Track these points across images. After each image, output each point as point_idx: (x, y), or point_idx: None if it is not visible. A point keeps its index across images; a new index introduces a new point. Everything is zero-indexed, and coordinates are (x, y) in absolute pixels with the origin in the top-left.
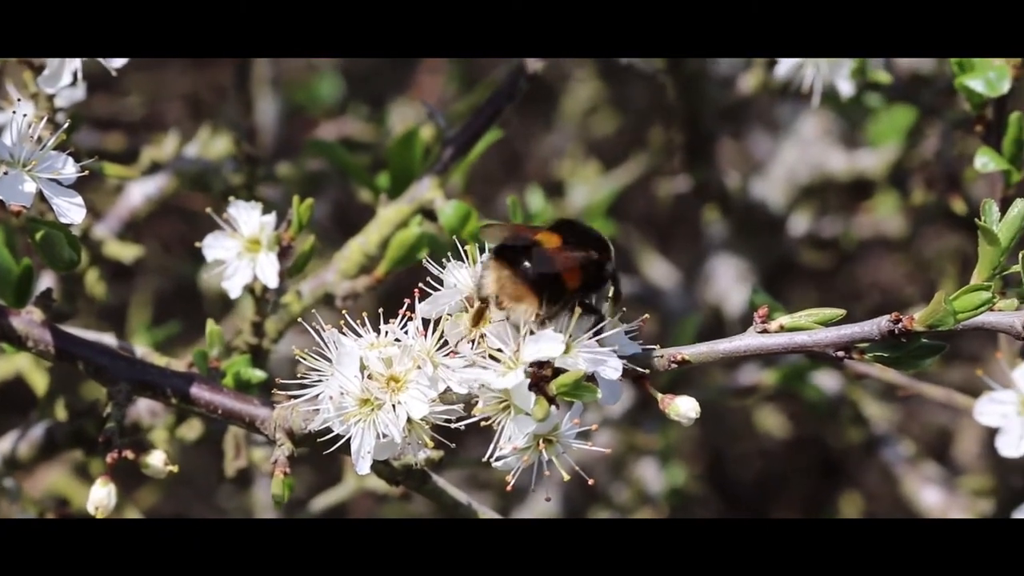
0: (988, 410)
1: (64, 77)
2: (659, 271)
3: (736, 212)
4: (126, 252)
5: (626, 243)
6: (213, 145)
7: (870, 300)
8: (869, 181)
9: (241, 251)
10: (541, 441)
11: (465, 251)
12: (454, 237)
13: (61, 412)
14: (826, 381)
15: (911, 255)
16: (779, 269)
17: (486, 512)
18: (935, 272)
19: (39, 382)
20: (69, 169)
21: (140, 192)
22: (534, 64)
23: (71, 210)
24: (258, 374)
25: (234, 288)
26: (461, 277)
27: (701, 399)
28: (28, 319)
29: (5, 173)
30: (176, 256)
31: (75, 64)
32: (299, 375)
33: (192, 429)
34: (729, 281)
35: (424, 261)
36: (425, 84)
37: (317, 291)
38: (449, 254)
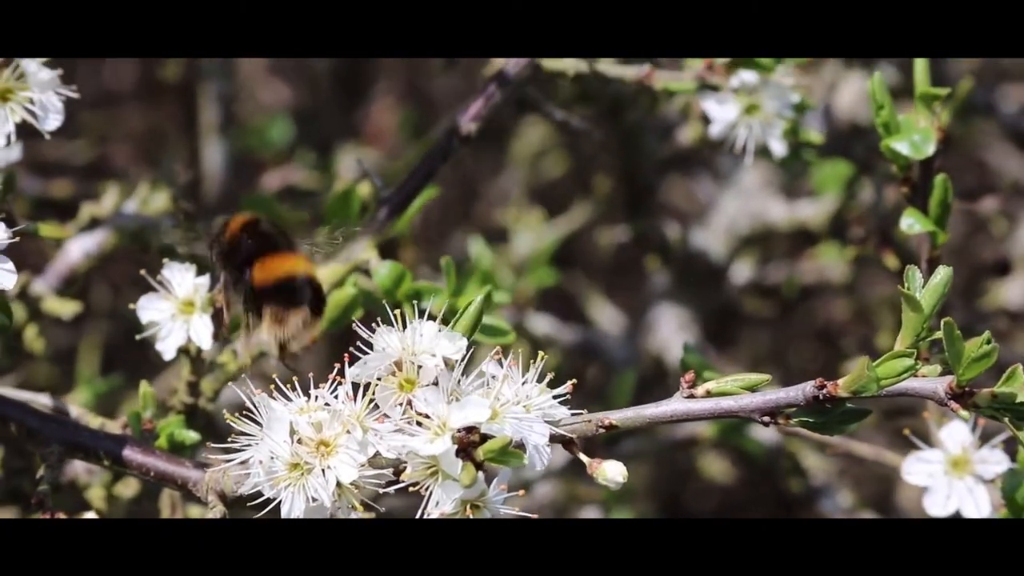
0: (915, 469)
1: None
2: (607, 319)
3: (677, 261)
4: (65, 308)
5: (571, 290)
6: (152, 200)
7: (811, 346)
8: (810, 231)
9: (175, 312)
10: (469, 506)
11: (398, 314)
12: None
13: None
14: (764, 433)
15: (853, 300)
16: (721, 317)
17: None
18: (877, 317)
19: None
20: (1, 236)
21: (79, 248)
22: (468, 126)
23: (2, 276)
24: (192, 435)
25: (168, 350)
26: (391, 341)
27: (648, 449)
28: None
29: None
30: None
31: (8, 127)
32: (230, 439)
33: (129, 487)
34: (671, 330)
35: (354, 325)
36: (376, 127)
37: (252, 350)
38: (379, 318)
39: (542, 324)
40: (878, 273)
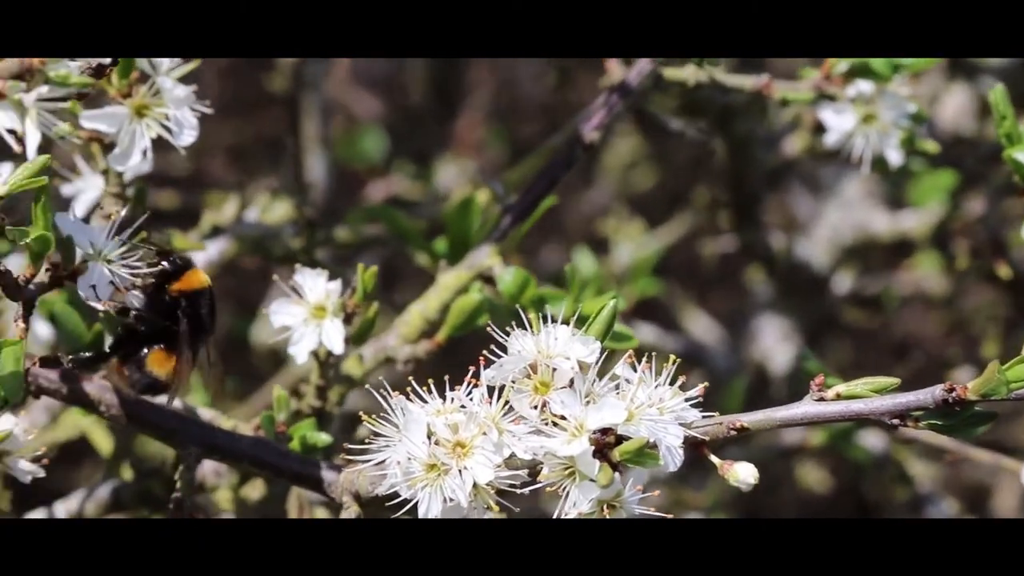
0: None
1: (134, 156)
2: (703, 329)
3: (781, 271)
4: None
5: (670, 300)
6: (273, 209)
7: (911, 357)
8: (911, 241)
9: (307, 318)
10: (605, 506)
11: (528, 318)
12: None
13: (127, 472)
14: (871, 440)
15: (952, 312)
16: (822, 327)
17: None
18: (976, 330)
19: (103, 442)
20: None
21: (202, 257)
22: (591, 134)
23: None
24: (324, 438)
25: (300, 354)
26: (526, 345)
27: (747, 458)
28: (100, 384)
29: (89, 267)
30: (225, 311)
31: (145, 142)
32: (365, 440)
33: (256, 489)
34: (773, 339)
35: (488, 328)
36: (468, 137)
37: (378, 355)
38: (513, 322)
39: (645, 332)
40: (974, 289)
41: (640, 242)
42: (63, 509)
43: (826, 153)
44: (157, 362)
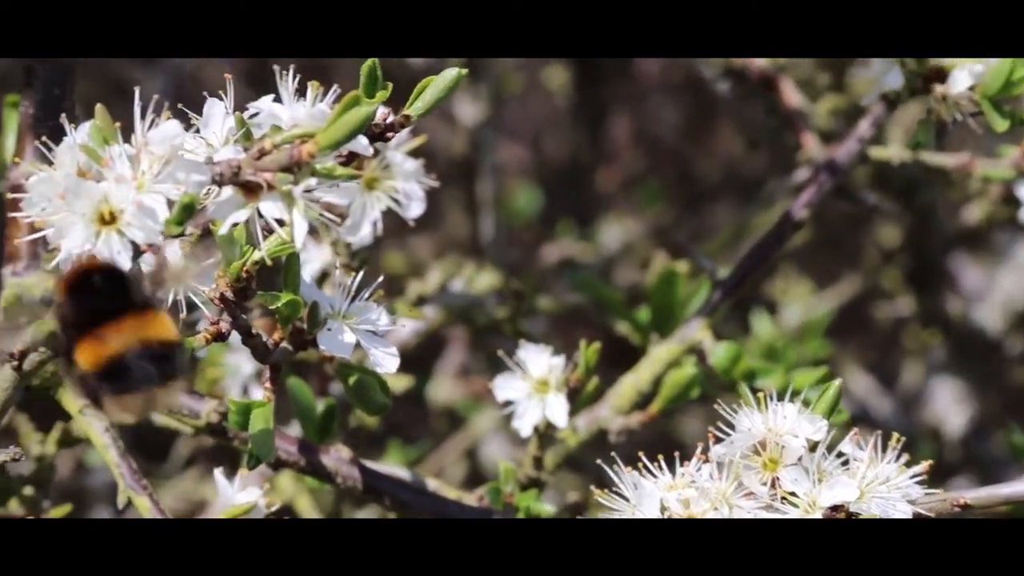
0: None
1: (365, 227)
2: (871, 390)
3: (955, 336)
4: (399, 383)
5: (838, 361)
6: (478, 279)
7: None
8: None
9: (531, 392)
10: None
11: (756, 394)
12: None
13: None
14: None
15: None
16: (995, 392)
17: None
18: None
19: (308, 510)
20: (383, 320)
21: (410, 326)
22: (800, 213)
23: (386, 360)
24: (547, 508)
25: (525, 427)
26: (755, 422)
27: None
28: (337, 456)
29: (329, 329)
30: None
31: (375, 214)
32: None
33: None
34: (947, 403)
35: (716, 406)
36: (618, 197)
37: (592, 426)
38: (738, 400)
39: None
40: None
41: (808, 303)
42: None
43: (1005, 220)
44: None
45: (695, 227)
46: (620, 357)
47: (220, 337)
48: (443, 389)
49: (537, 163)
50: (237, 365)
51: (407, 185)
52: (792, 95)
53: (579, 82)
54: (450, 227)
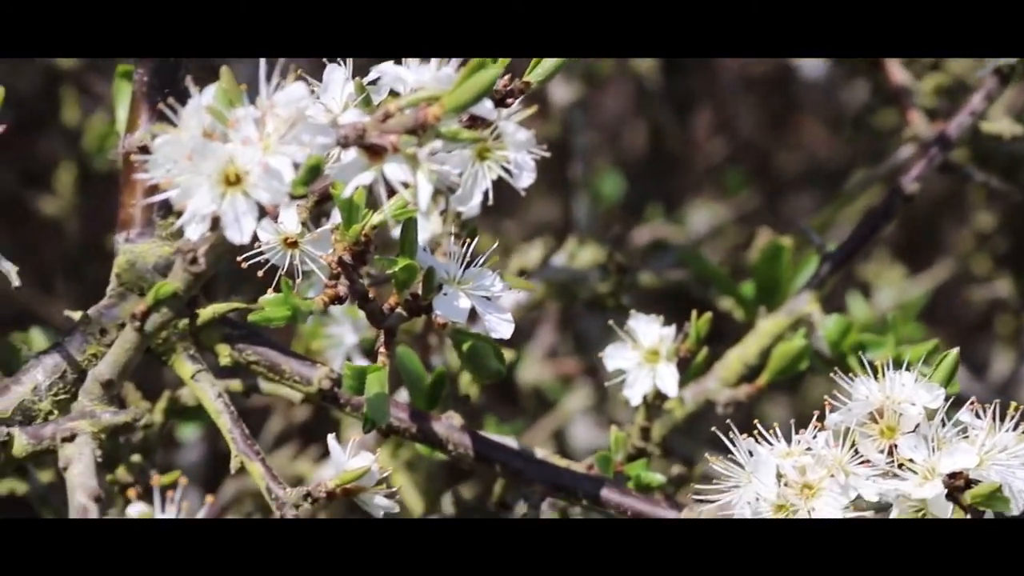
0: None
1: (476, 197)
2: (962, 376)
3: None
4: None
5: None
6: (580, 254)
7: None
8: None
9: (641, 361)
10: None
11: (871, 364)
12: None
13: (449, 507)
14: None
15: None
16: None
17: None
18: None
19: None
20: (497, 286)
21: (511, 299)
22: (911, 186)
23: (501, 325)
24: (658, 478)
25: (635, 396)
26: (872, 391)
27: None
28: (448, 424)
29: (444, 294)
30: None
31: (486, 183)
32: (713, 481)
33: None
34: None
35: (832, 374)
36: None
37: (699, 398)
38: (861, 368)
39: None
40: None
41: (901, 287)
42: None
43: None
44: None
45: (780, 216)
46: (719, 336)
47: (338, 300)
48: (532, 370)
49: (621, 149)
50: (340, 336)
51: (519, 155)
52: (898, 72)
53: (664, 68)
54: (539, 210)
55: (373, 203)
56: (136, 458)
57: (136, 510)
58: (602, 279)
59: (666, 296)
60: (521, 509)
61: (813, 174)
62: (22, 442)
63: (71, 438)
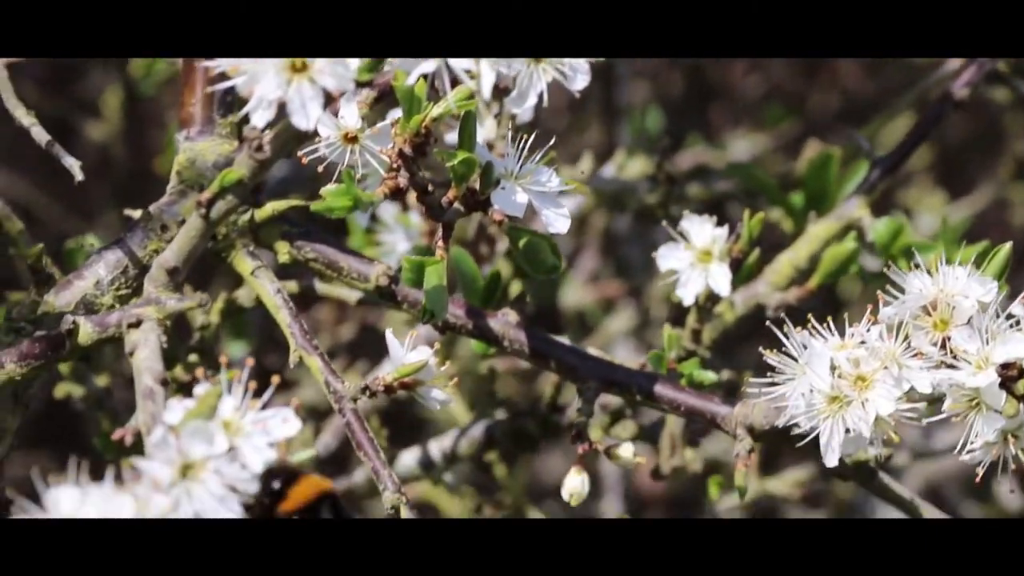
0: None
1: (531, 98)
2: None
3: None
4: None
5: None
6: (629, 165)
7: None
8: None
9: (693, 262)
10: (1009, 436)
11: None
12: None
13: (500, 412)
14: None
15: None
16: None
17: (930, 509)
18: None
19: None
20: (554, 182)
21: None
22: (960, 92)
23: (558, 220)
24: (710, 376)
25: (688, 296)
26: (926, 284)
27: None
28: (504, 320)
29: (502, 188)
30: None
31: (541, 86)
32: (768, 375)
33: (626, 429)
34: None
35: (886, 269)
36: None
37: (749, 302)
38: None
39: None
40: None
41: (941, 212)
42: (437, 448)
43: None
44: None
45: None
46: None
47: (398, 192)
48: (575, 294)
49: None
50: (393, 244)
51: (573, 58)
52: None
53: None
54: (584, 138)
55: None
56: (193, 358)
57: (203, 388)
58: (651, 190)
59: (715, 209)
60: (572, 413)
61: (848, 113)
62: (87, 330)
63: (137, 324)
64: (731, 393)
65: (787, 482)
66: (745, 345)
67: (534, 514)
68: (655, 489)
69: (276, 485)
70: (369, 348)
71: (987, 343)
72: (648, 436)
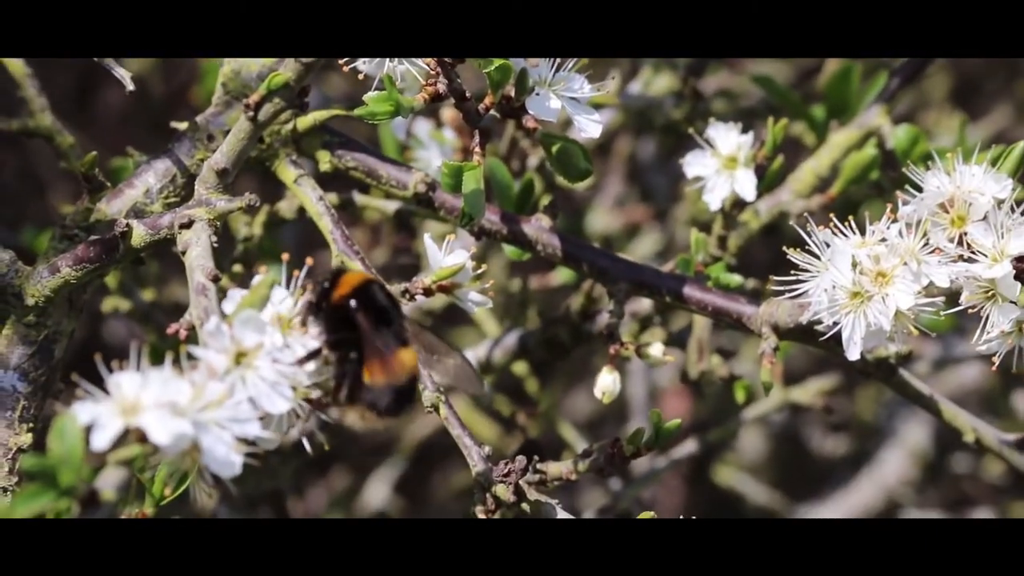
0: None
1: None
2: None
3: None
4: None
5: None
6: (655, 82)
7: None
8: None
9: (719, 168)
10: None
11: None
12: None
13: (533, 320)
14: None
15: None
16: None
17: (947, 404)
18: None
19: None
20: (585, 89)
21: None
22: None
23: (589, 126)
24: (736, 279)
25: (714, 201)
26: (944, 182)
27: None
28: (538, 225)
29: (536, 93)
30: None
31: None
32: (791, 273)
33: (654, 336)
34: None
35: (905, 168)
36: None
37: (773, 209)
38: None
39: None
40: None
41: (961, 135)
42: (472, 357)
43: None
44: (373, 374)
45: None
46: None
47: (437, 97)
48: (600, 219)
49: None
50: (428, 160)
51: None
52: None
53: None
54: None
55: None
56: (238, 268)
57: (258, 278)
58: (676, 105)
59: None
60: (603, 319)
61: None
62: (140, 232)
63: (188, 224)
64: (755, 299)
65: (810, 392)
66: (767, 260)
67: (565, 424)
68: (680, 409)
69: (326, 284)
70: (401, 272)
71: (1002, 237)
72: (676, 342)
